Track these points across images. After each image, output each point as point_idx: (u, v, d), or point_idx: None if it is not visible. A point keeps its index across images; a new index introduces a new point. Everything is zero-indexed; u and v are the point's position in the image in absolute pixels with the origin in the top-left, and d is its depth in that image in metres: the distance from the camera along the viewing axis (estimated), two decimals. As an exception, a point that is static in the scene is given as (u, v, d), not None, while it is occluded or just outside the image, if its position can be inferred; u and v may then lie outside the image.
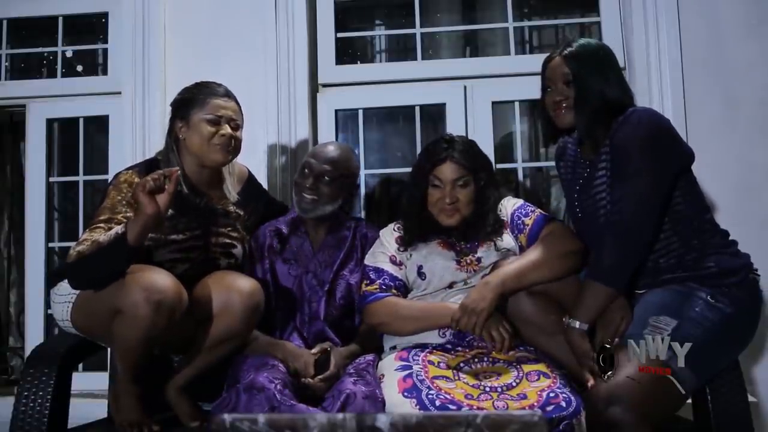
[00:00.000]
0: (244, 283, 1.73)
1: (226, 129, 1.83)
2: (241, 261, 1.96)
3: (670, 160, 1.62)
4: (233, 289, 1.70)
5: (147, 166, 1.84)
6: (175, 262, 1.80)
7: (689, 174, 1.69)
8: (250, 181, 2.08)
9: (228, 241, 1.91)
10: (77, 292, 1.71)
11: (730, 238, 1.70)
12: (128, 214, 1.69)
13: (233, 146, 1.86)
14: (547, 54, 1.78)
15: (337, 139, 2.53)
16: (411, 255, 1.88)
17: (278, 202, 2.21)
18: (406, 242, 1.89)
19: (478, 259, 1.84)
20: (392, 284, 1.86)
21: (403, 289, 1.88)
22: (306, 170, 1.95)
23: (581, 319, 1.61)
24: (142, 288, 1.56)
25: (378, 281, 1.86)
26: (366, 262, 1.93)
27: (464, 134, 2.30)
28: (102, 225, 1.68)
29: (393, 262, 1.89)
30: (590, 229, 1.74)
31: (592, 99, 1.66)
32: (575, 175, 1.82)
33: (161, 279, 1.59)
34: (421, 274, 1.85)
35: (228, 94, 1.89)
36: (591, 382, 1.55)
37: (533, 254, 1.74)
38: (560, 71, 1.71)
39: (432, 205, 1.86)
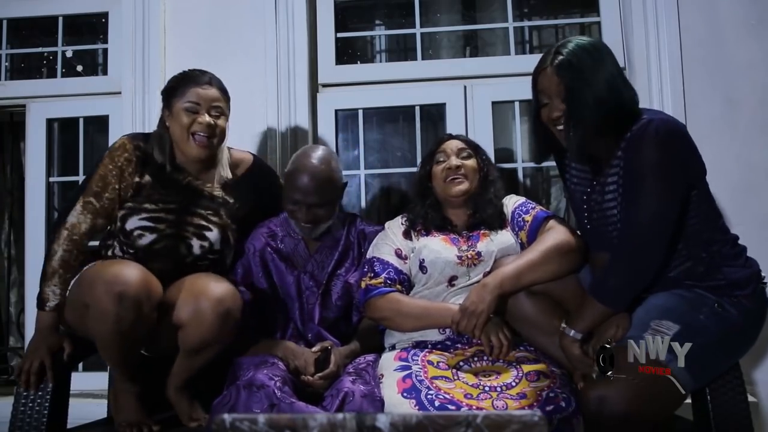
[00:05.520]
0: (215, 289, 1.66)
1: (204, 117, 1.82)
2: (220, 248, 1.89)
3: (685, 180, 1.56)
4: (202, 296, 1.64)
5: (142, 138, 1.89)
6: (143, 230, 1.79)
7: (702, 184, 1.62)
8: (253, 170, 2.01)
9: (204, 223, 1.86)
10: (71, 289, 1.72)
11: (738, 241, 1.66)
12: (116, 187, 1.79)
13: (216, 136, 1.85)
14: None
15: (336, 139, 2.53)
16: (414, 248, 1.89)
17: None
18: (411, 231, 1.92)
19: (478, 254, 1.84)
20: (397, 278, 1.85)
21: (407, 284, 1.88)
22: (293, 203, 1.87)
23: (576, 328, 1.60)
24: (105, 281, 1.56)
25: (383, 275, 1.85)
26: (370, 254, 1.91)
27: (464, 134, 2.30)
28: (92, 200, 1.78)
29: (398, 255, 1.89)
30: (599, 243, 1.70)
31: (589, 115, 1.54)
32: (582, 181, 1.75)
33: (125, 271, 1.58)
34: (422, 267, 1.85)
35: (210, 81, 1.87)
36: (581, 385, 1.55)
37: (531, 254, 1.73)
38: (555, 86, 1.58)
39: (438, 179, 1.92)
